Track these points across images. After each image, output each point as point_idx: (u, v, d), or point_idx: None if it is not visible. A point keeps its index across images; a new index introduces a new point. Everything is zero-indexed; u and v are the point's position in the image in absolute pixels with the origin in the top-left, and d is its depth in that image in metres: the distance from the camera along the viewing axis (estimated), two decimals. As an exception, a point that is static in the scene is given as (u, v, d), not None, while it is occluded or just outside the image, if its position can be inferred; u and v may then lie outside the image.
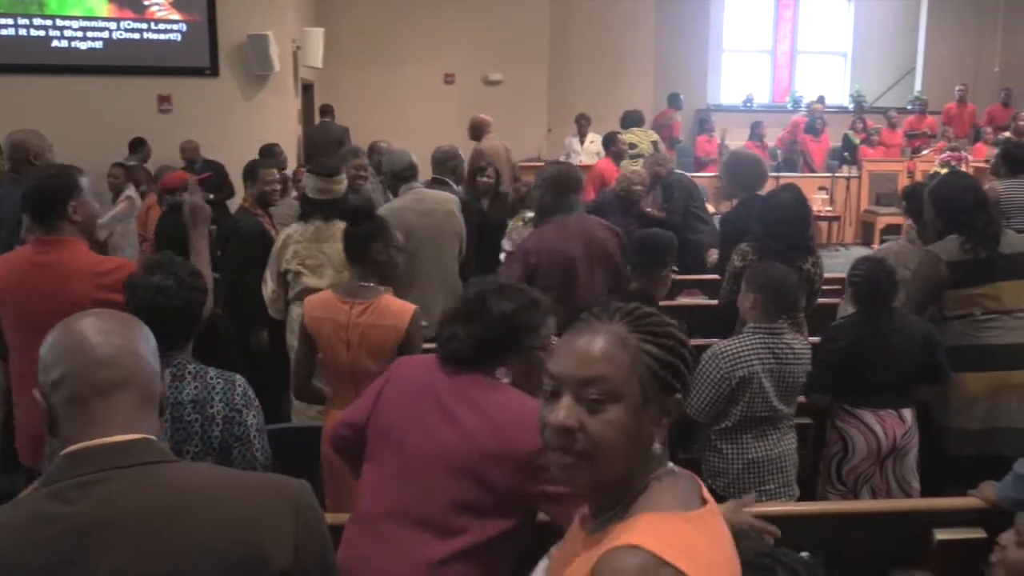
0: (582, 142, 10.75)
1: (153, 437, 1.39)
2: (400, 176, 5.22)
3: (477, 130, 8.57)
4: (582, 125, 10.82)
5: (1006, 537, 2.18)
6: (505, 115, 11.54)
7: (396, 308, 3.21)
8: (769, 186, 5.07)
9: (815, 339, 3.70)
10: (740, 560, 1.74)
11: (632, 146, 8.88)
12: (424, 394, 2.13)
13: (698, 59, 14.41)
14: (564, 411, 1.28)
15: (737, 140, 12.13)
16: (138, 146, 8.97)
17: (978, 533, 2.72)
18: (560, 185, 4.16)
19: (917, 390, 3.57)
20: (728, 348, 3.31)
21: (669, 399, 1.33)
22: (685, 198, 6.74)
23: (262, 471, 2.22)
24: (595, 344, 1.30)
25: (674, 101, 12.63)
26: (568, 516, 1.79)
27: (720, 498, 3.22)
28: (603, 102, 11.85)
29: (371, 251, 3.24)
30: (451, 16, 11.71)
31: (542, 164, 10.18)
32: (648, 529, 1.22)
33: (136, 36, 9.32)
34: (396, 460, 2.11)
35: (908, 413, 3.46)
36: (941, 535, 2.72)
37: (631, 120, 9.72)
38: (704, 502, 1.33)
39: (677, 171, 7.25)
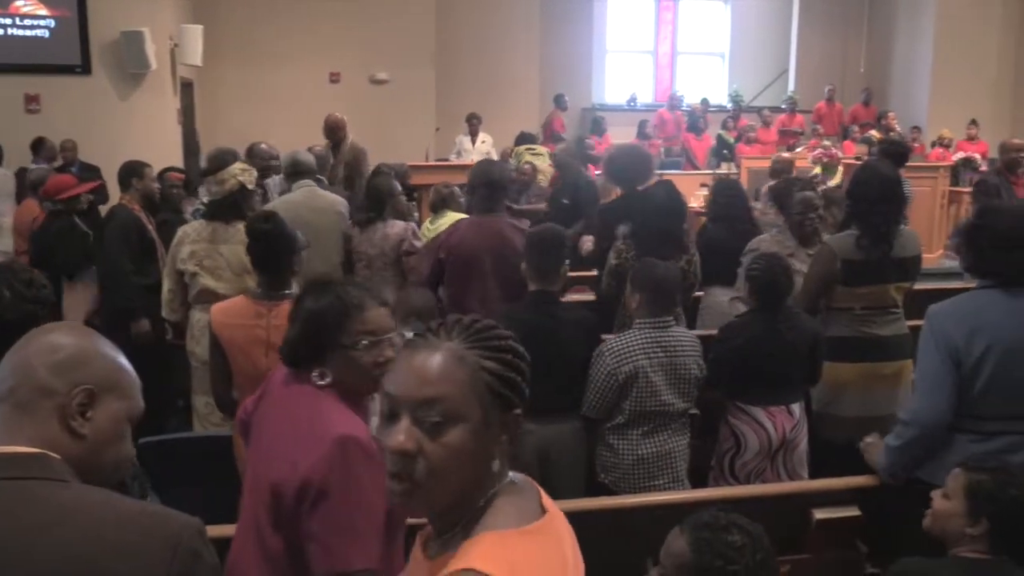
0: (473, 141, 10.81)
1: (52, 454, 1.35)
2: (289, 174, 5.26)
3: (335, 131, 7.97)
4: (473, 124, 10.88)
5: (937, 492, 2.38)
6: (392, 114, 11.50)
7: None
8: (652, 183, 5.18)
9: (700, 332, 3.83)
10: (698, 520, 1.92)
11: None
12: (272, 400, 2.13)
13: (582, 59, 14.66)
14: (403, 435, 1.22)
15: (624, 139, 12.39)
16: (39, 147, 8.56)
17: (852, 511, 2.90)
18: (488, 184, 4.23)
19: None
20: (613, 345, 3.40)
21: (508, 415, 1.29)
22: (595, 202, 6.83)
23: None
24: (432, 363, 1.24)
25: (558, 101, 13.00)
26: (324, 567, 1.81)
27: (611, 492, 3.35)
28: (491, 101, 11.94)
29: (292, 264, 3.25)
30: (336, 14, 11.56)
31: (431, 164, 10.24)
32: (484, 550, 1.21)
33: (0, 32, 8.87)
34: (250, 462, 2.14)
35: (797, 407, 3.59)
36: (820, 515, 2.88)
37: (525, 139, 9.56)
38: (544, 510, 1.32)
39: (585, 173, 7.35)
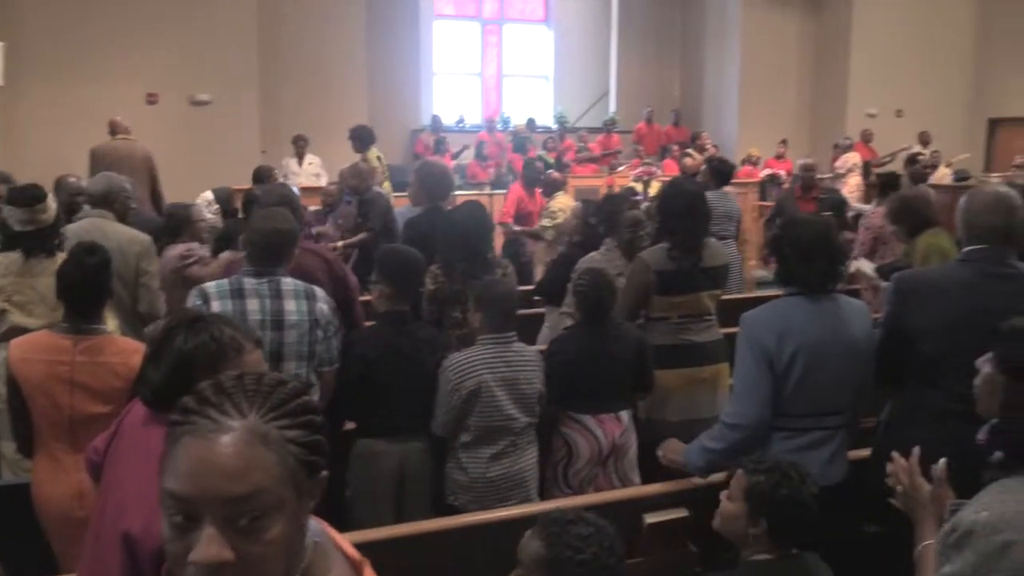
0: (300, 163, 10.60)
1: None
2: (72, 206, 4.99)
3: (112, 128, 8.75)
4: (299, 146, 10.67)
5: (723, 493, 2.47)
6: (214, 137, 11.13)
7: (124, 346, 3.04)
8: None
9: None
10: (548, 518, 2.04)
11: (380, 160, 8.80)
12: (129, 441, 1.99)
13: (409, 81, 14.68)
14: (215, 546, 1.03)
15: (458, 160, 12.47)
16: None
17: (681, 513, 3.02)
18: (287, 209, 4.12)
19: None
20: (457, 361, 3.43)
21: (316, 480, 1.16)
22: (383, 214, 6.83)
23: None
24: (235, 451, 1.06)
25: (434, 122, 13.34)
26: None
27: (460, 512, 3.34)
28: (318, 123, 11.76)
29: (106, 298, 3.10)
30: (153, 32, 11.06)
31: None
32: None
33: None
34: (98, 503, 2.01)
35: (625, 414, 3.72)
36: (650, 519, 2.99)
37: (371, 137, 9.08)
38: (350, 561, 1.24)
39: (376, 189, 7.32)
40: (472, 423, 3.40)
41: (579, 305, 3.77)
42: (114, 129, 8.74)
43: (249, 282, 3.30)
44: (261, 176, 7.45)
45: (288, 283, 3.35)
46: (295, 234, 3.44)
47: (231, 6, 11.42)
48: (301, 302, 3.33)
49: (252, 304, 3.26)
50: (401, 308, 3.56)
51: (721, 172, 7.05)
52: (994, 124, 15.15)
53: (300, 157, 10.65)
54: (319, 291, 3.43)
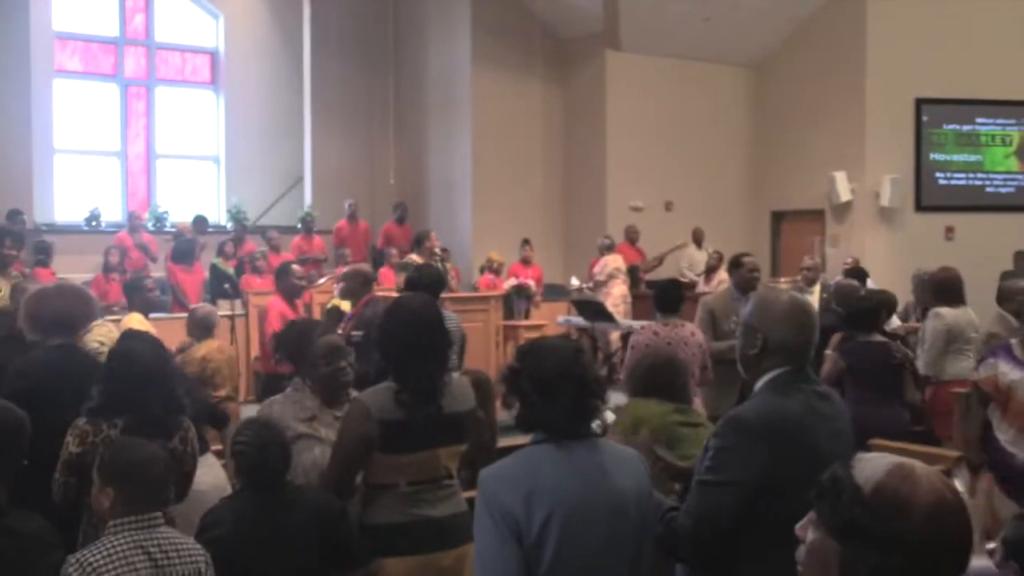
0: None
1: None
2: None
3: None
4: None
5: None
6: None
7: None
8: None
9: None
10: None
11: None
12: None
13: (20, 163, 13.93)
14: None
15: (81, 272, 11.90)
16: None
17: None
18: None
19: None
20: (80, 561, 3.24)
21: None
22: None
23: None
24: None
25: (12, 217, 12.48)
26: None
27: None
28: None
29: None
30: None
31: None
32: None
33: None
34: None
35: None
36: None
37: None
38: None
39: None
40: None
41: (239, 468, 3.83)
42: None
43: None
44: None
45: None
46: None
47: None
48: None
49: None
50: None
51: (430, 284, 7.08)
52: (778, 217, 16.72)
53: None
54: None
